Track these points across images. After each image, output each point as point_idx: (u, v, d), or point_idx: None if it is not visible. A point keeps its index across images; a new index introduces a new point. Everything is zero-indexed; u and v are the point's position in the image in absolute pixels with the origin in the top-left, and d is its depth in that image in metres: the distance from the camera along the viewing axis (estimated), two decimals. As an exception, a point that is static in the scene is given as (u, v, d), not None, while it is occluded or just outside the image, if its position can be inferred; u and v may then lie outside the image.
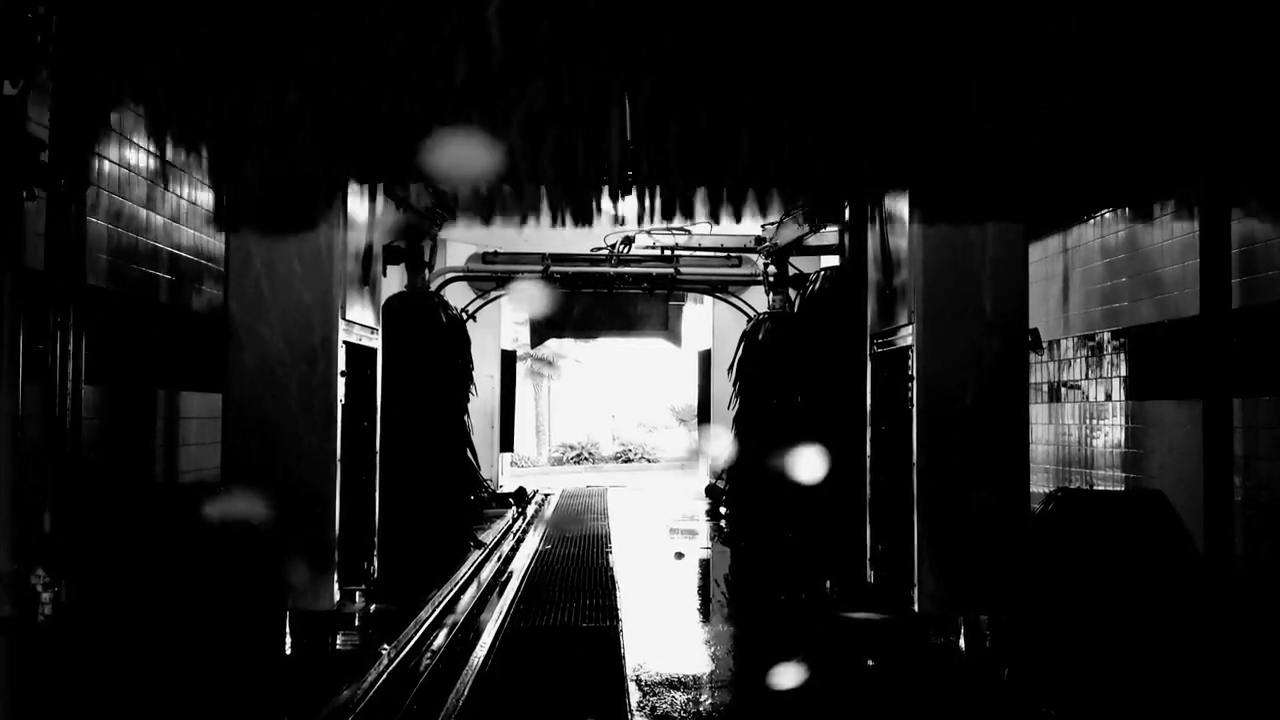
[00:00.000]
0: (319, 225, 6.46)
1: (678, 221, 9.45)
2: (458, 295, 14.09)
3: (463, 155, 5.57)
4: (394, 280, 10.66)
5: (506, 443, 18.93)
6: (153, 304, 6.22)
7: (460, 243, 15.08)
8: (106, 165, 5.59)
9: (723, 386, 14.51)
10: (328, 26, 5.05)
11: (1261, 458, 5.21)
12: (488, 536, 11.71)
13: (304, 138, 5.38)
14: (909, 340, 6.67)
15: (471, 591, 8.67)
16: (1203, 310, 5.38)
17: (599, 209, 6.36)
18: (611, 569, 9.77)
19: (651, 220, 6.50)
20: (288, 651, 6.18)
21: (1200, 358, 5.44)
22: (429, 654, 6.49)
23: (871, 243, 7.64)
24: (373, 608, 7.42)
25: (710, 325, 18.36)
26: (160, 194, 6.29)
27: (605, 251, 13.61)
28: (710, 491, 15.60)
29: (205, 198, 6.92)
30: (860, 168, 5.79)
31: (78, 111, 4.84)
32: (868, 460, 7.76)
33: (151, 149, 6.16)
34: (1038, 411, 7.72)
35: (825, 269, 10.06)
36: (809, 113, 5.46)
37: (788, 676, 6.25)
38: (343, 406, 6.69)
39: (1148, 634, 4.87)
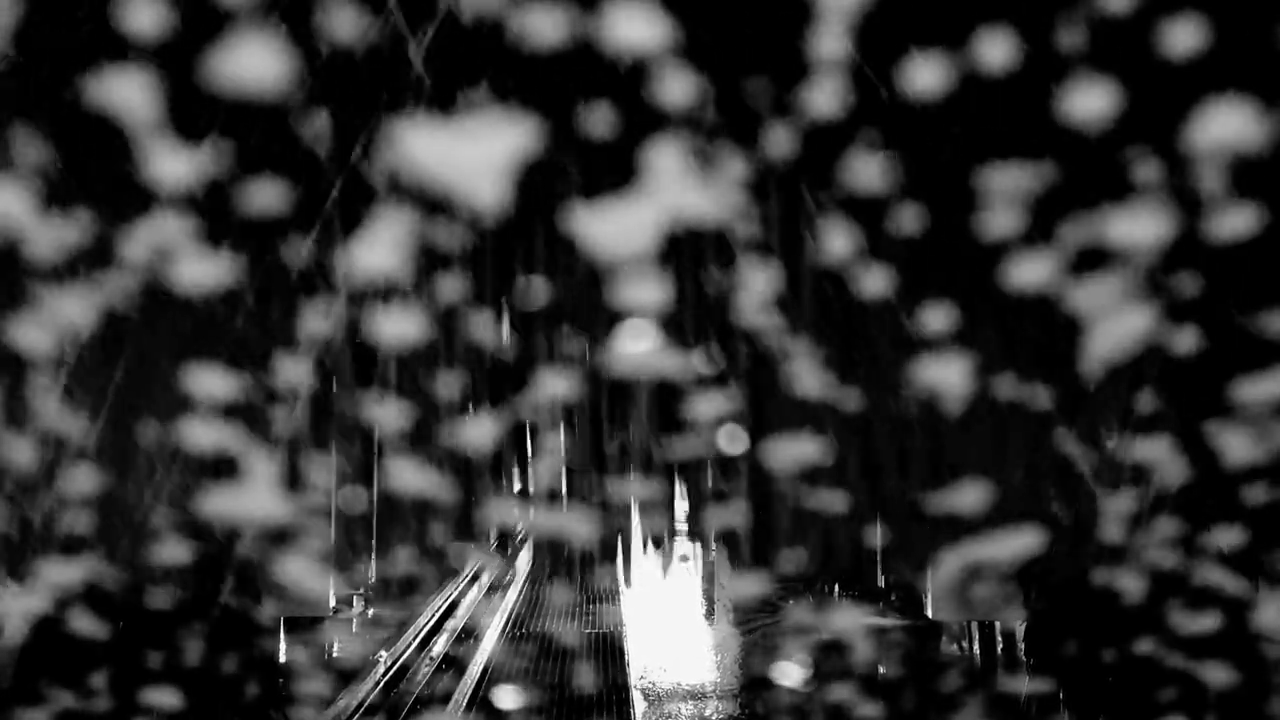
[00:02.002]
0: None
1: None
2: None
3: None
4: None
5: (508, 441, 18.84)
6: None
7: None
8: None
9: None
10: None
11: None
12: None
13: None
14: (920, 337, 6.52)
15: (473, 594, 8.53)
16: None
17: None
18: (614, 571, 9.65)
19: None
20: (282, 659, 6.04)
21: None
22: (428, 660, 6.35)
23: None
24: (370, 612, 7.28)
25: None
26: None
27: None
28: (714, 490, 15.48)
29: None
30: None
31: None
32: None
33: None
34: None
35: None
36: None
37: (795, 685, 6.10)
38: (339, 406, 6.54)
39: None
